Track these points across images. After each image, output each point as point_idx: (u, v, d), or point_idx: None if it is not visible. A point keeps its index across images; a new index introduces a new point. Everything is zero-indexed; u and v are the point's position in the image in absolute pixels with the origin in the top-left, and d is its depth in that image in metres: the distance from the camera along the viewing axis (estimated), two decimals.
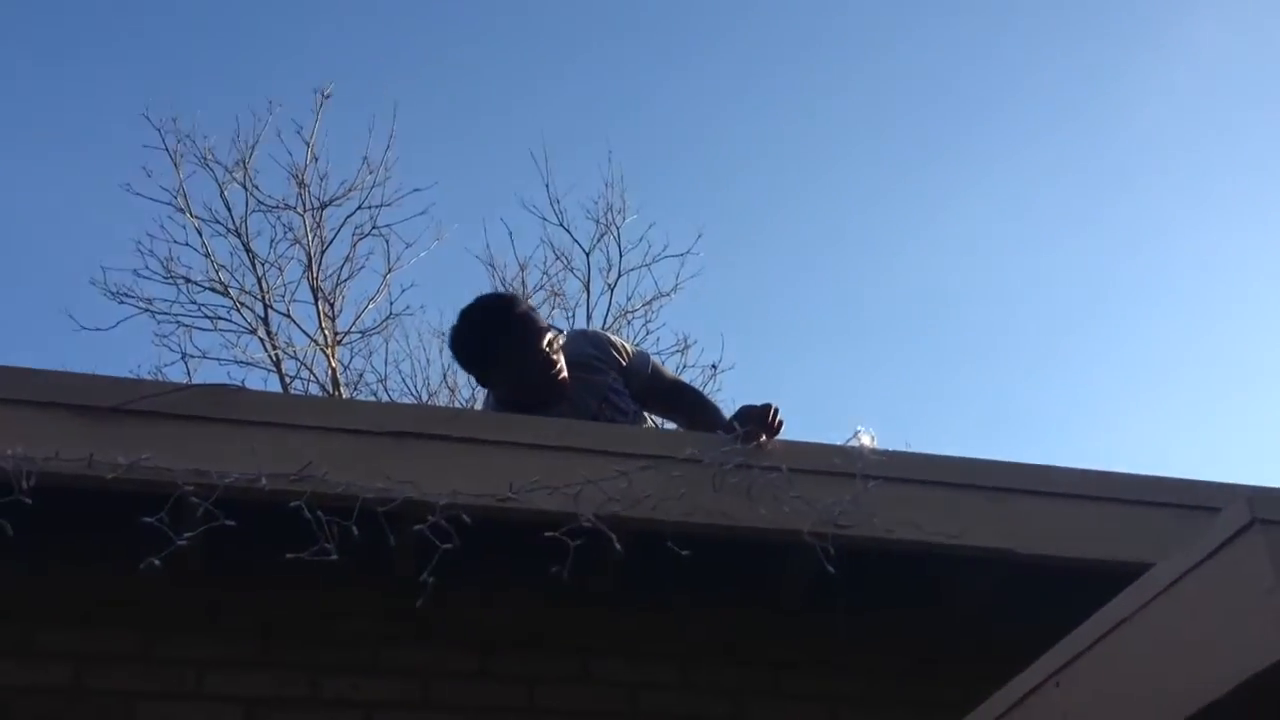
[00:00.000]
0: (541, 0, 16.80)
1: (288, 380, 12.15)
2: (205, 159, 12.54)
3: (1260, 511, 1.68)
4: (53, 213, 15.89)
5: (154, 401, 2.67)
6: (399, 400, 12.14)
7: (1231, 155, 16.18)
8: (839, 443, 2.93)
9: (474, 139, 17.11)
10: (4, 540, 2.40)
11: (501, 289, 11.90)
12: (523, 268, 12.81)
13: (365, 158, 12.83)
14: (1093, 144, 16.34)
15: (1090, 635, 1.98)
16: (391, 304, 12.60)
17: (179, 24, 16.12)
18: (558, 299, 12.75)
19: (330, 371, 12.21)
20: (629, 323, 12.55)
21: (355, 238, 12.73)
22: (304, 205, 12.71)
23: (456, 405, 11.16)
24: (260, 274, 12.52)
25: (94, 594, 2.74)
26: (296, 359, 12.35)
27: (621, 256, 12.74)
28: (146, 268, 12.19)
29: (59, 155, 16.02)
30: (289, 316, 12.48)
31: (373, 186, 12.79)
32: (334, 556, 2.45)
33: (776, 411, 3.00)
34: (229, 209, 12.58)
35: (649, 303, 12.65)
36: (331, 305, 12.58)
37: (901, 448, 3.05)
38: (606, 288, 12.73)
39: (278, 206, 12.66)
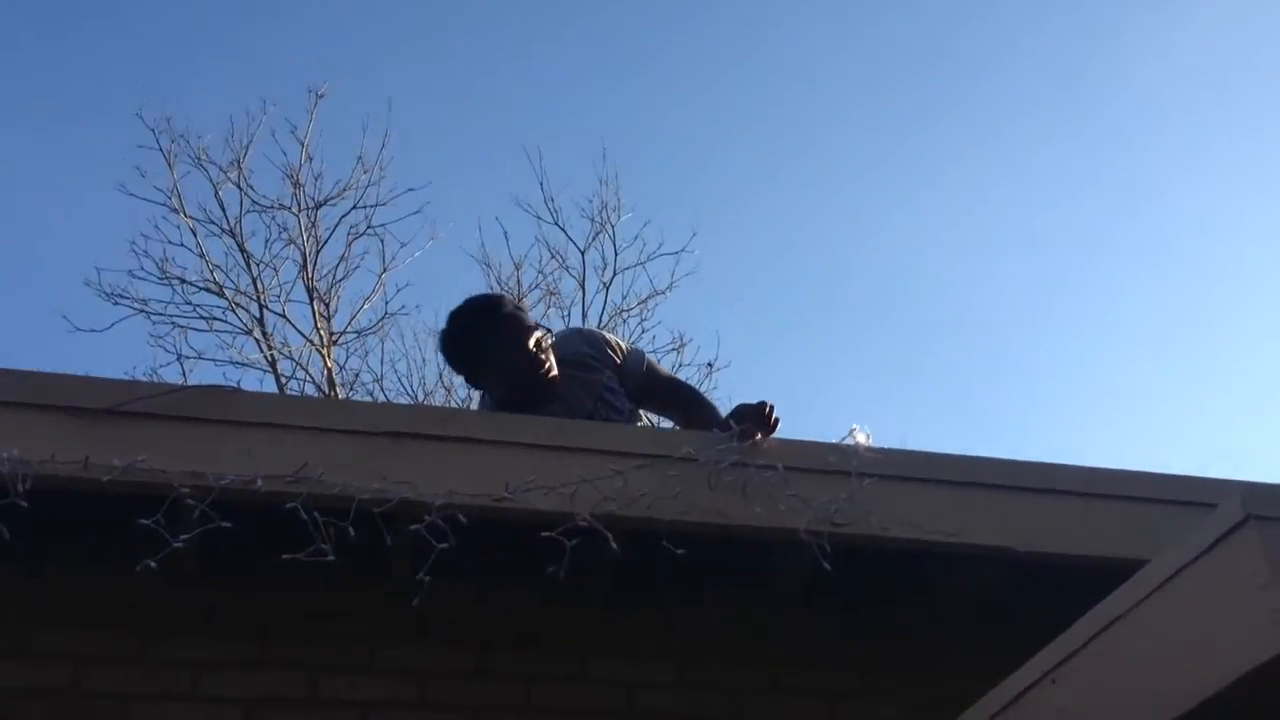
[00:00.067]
0: None
1: (283, 381, 12.15)
2: (199, 159, 12.54)
3: (1254, 508, 1.68)
4: (47, 214, 15.90)
5: (149, 403, 2.67)
6: (395, 400, 12.13)
7: (1229, 117, 16.21)
8: (834, 441, 2.94)
9: (468, 138, 17.13)
10: (1, 543, 2.40)
11: (494, 289, 11.91)
12: (518, 266, 12.83)
13: (360, 157, 12.85)
14: (1091, 105, 16.34)
15: (1086, 632, 1.98)
16: (387, 304, 12.61)
17: (172, 24, 16.13)
18: (553, 298, 12.77)
19: (326, 372, 12.21)
20: (624, 321, 12.57)
21: (350, 237, 12.74)
22: (299, 205, 12.72)
23: (452, 405, 11.14)
24: (255, 274, 12.52)
25: (91, 596, 2.74)
26: (292, 359, 12.36)
27: (617, 255, 12.75)
28: (141, 269, 12.20)
29: (52, 156, 16.02)
30: (284, 317, 12.49)
31: (367, 186, 12.80)
32: (331, 557, 2.45)
33: (772, 409, 3.01)
34: (224, 209, 12.58)
35: (644, 301, 12.67)
36: (327, 305, 12.58)
37: (897, 444, 3.05)
38: (602, 286, 12.75)
39: (272, 206, 12.67)
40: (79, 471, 2.50)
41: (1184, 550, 1.79)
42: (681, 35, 16.85)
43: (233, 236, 12.55)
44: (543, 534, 2.55)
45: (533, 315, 3.84)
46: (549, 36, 16.79)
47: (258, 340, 12.34)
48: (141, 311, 12.09)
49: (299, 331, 12.44)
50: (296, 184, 12.68)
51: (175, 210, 12.37)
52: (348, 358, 12.57)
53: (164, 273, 12.24)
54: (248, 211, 12.60)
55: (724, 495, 2.78)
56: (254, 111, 13.07)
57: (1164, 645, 1.83)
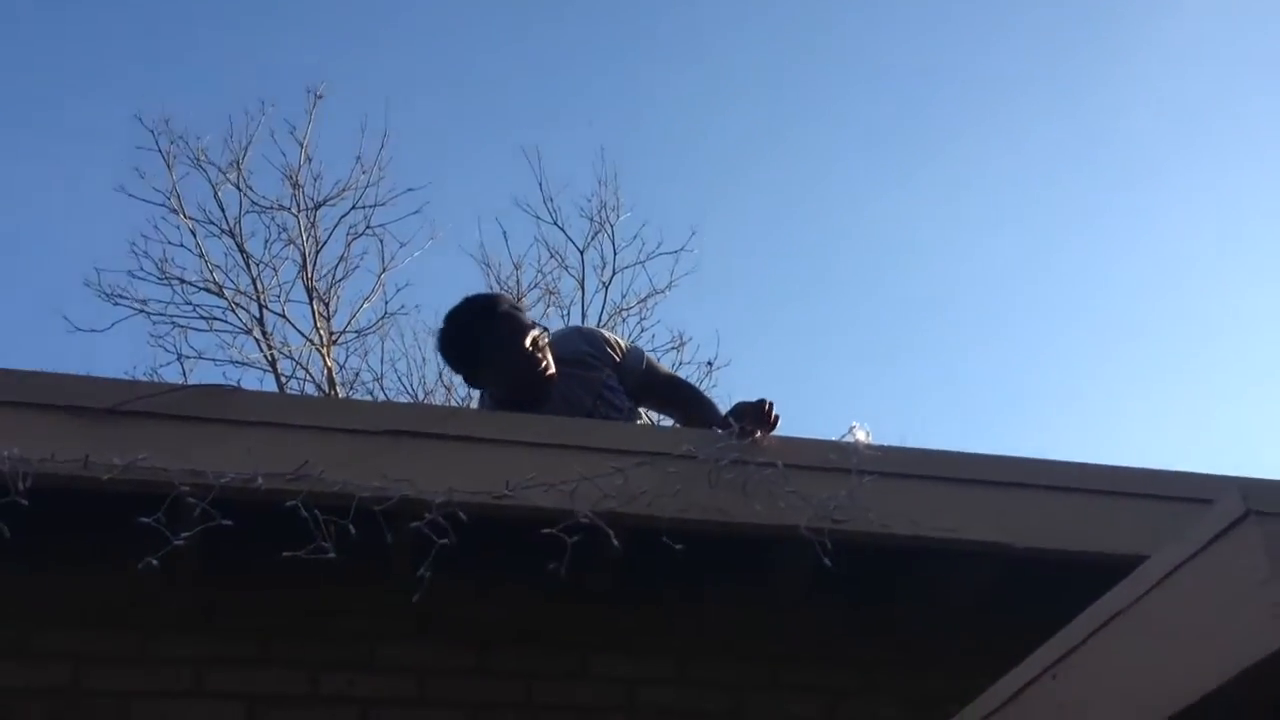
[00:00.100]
0: None
1: (283, 380, 12.15)
2: (198, 160, 12.55)
3: (1254, 503, 1.68)
4: (46, 215, 15.90)
5: (150, 402, 2.67)
6: (395, 399, 12.14)
7: (1225, 96, 16.21)
8: (834, 438, 2.94)
9: (466, 138, 17.13)
10: (1, 542, 2.40)
11: (493, 289, 11.92)
12: (517, 266, 12.83)
13: (358, 157, 12.86)
14: (1089, 84, 16.35)
15: (1086, 628, 1.98)
16: (386, 303, 12.62)
17: (170, 25, 16.12)
18: (553, 297, 12.77)
19: (326, 371, 12.22)
20: (624, 320, 12.57)
21: (349, 238, 12.76)
22: (298, 205, 12.73)
23: (452, 404, 11.15)
24: (255, 274, 12.53)
25: (91, 595, 2.75)
26: (292, 359, 12.37)
27: (616, 254, 12.76)
28: (141, 269, 12.21)
29: (51, 157, 16.02)
30: (284, 317, 12.49)
31: (366, 186, 12.81)
32: (331, 555, 2.45)
33: (772, 407, 3.01)
34: (223, 210, 12.60)
35: (644, 300, 12.67)
36: (326, 305, 12.59)
37: (895, 440, 3.05)
38: (601, 285, 12.75)
39: (272, 207, 12.68)
40: (79, 470, 2.50)
41: (1184, 545, 1.79)
42: (678, 9, 16.88)
43: (232, 237, 12.57)
44: (544, 531, 2.56)
45: (532, 315, 3.84)
46: (546, 19, 16.81)
47: (257, 340, 12.36)
48: (141, 311, 12.12)
49: (299, 331, 12.47)
50: (295, 184, 12.70)
51: (174, 211, 12.40)
52: (347, 357, 12.60)
53: (164, 273, 12.27)
54: (247, 212, 12.63)
55: (724, 493, 2.78)
56: (253, 112, 13.06)
57: (1164, 640, 1.83)
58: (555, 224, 12.77)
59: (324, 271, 12.63)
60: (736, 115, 17.21)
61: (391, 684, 2.80)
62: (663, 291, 12.63)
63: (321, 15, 16.72)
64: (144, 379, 9.51)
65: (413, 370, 12.68)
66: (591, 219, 12.84)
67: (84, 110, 15.85)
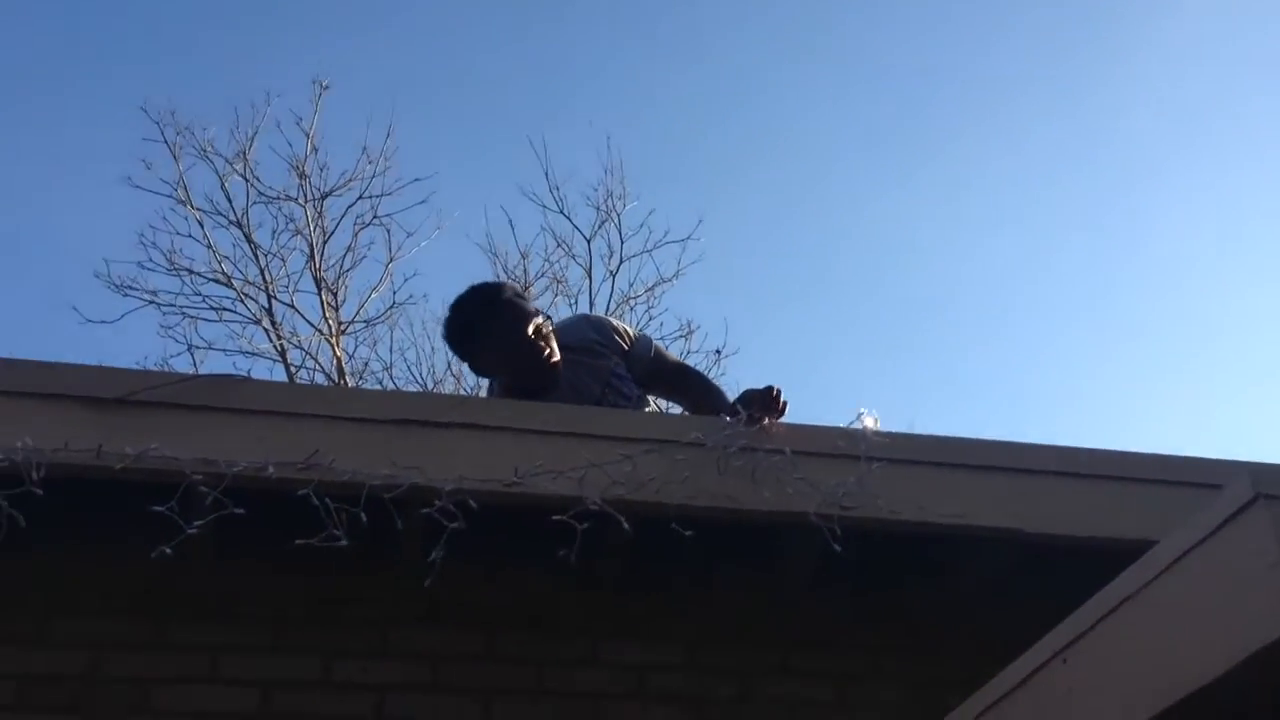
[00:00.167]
0: None
1: (293, 370, 12.18)
2: (205, 151, 12.58)
3: (1263, 487, 1.68)
4: (55, 208, 15.92)
5: (161, 392, 2.68)
6: (404, 388, 12.17)
7: (1224, 95, 16.16)
8: (843, 425, 2.95)
9: (472, 127, 17.12)
10: (17, 531, 2.42)
11: (500, 278, 11.92)
12: (524, 255, 12.85)
13: (365, 148, 12.88)
14: (1089, 85, 16.31)
15: (1096, 612, 1.99)
16: (394, 293, 12.65)
17: (175, 17, 16.12)
18: (560, 286, 12.78)
19: (335, 361, 12.24)
20: (631, 309, 12.58)
21: (357, 228, 12.78)
22: (305, 196, 12.75)
23: (461, 392, 11.17)
24: (263, 265, 12.56)
25: (107, 583, 2.76)
26: (301, 349, 12.39)
27: (623, 243, 12.76)
28: (150, 260, 12.24)
29: (59, 151, 16.04)
30: (293, 307, 12.52)
31: (373, 176, 12.84)
32: (343, 542, 2.47)
33: (780, 394, 3.01)
34: (230, 201, 12.63)
35: (651, 289, 12.67)
36: (335, 295, 12.61)
37: (903, 427, 3.05)
38: (608, 274, 12.76)
39: (279, 197, 12.70)
40: (92, 460, 2.52)
41: (1193, 530, 1.79)
42: (678, 9, 16.86)
43: (240, 227, 12.60)
44: (553, 518, 2.57)
45: (538, 304, 3.85)
46: (546, 18, 16.79)
47: (267, 330, 12.39)
48: (151, 303, 12.17)
49: (308, 321, 12.49)
50: (302, 175, 12.72)
51: (182, 202, 12.43)
52: (356, 346, 12.63)
53: (172, 264, 12.30)
54: (254, 203, 12.66)
55: (733, 479, 2.78)
56: (258, 103, 13.08)
57: (1174, 625, 1.83)
58: (562, 213, 12.79)
59: (332, 261, 12.68)
60: (737, 115, 17.22)
61: (404, 669, 2.82)
62: (670, 280, 12.65)
63: (324, 15, 16.72)
64: (155, 369, 9.52)
65: (422, 359, 12.72)
66: (598, 208, 12.86)
67: (90, 103, 15.89)
